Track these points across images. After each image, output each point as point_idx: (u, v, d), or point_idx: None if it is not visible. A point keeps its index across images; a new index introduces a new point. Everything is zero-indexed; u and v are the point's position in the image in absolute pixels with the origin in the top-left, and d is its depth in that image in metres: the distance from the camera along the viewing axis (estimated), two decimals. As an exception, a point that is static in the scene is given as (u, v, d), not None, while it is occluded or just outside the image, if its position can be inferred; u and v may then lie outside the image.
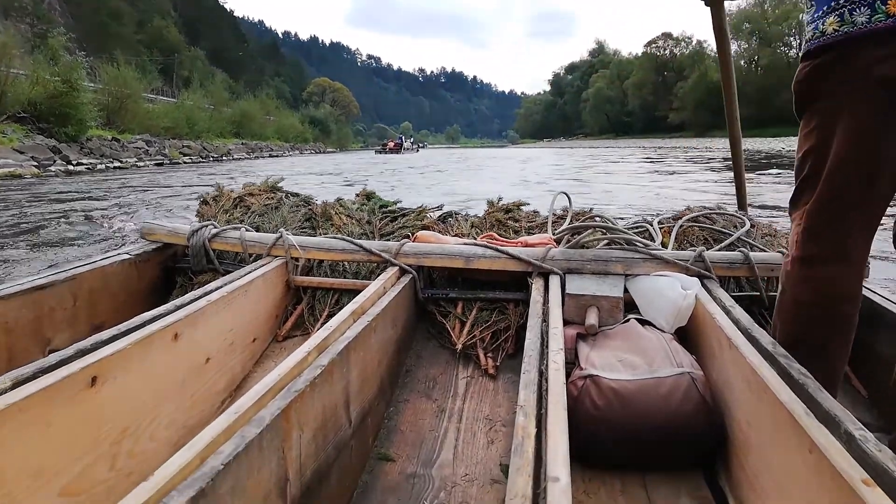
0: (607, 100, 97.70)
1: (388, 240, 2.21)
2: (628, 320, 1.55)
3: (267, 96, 65.95)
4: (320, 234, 2.24)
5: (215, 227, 2.10)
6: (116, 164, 21.18)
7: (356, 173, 19.50)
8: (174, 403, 1.33)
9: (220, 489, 0.75)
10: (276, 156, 43.79)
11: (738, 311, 1.40)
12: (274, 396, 0.98)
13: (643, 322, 1.54)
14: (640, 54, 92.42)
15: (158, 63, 60.50)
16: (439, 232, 2.24)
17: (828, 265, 1.19)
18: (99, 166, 19.72)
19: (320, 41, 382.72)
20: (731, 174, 2.53)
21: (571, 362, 1.38)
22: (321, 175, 18.51)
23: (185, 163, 27.10)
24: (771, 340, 1.21)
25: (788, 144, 35.88)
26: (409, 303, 1.84)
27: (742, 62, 64.52)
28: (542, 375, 1.10)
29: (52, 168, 16.87)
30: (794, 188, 1.26)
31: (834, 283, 1.19)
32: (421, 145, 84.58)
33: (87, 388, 1.08)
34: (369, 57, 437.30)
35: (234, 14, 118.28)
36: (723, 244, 1.97)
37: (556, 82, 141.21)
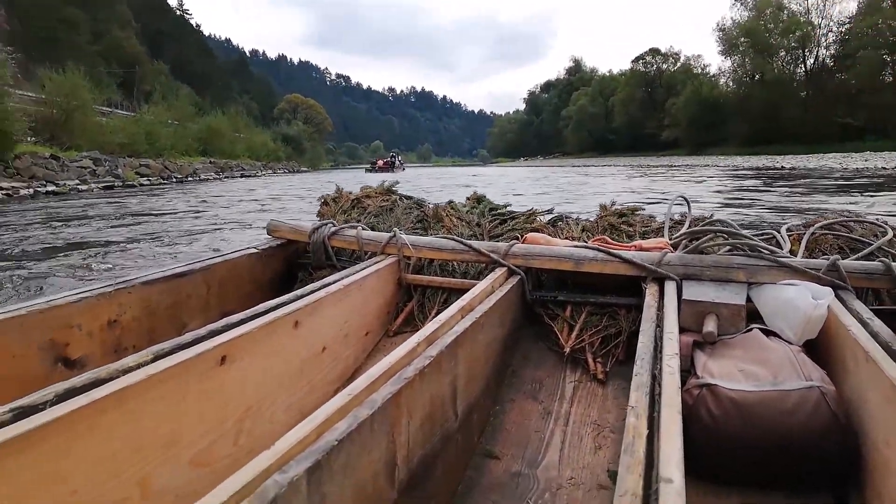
0: (590, 117, 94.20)
1: (497, 241, 2.17)
2: (751, 330, 1.44)
3: (236, 112, 61.62)
4: (431, 235, 2.25)
5: (334, 226, 2.19)
6: (51, 187, 16.74)
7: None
8: (292, 388, 1.41)
9: (333, 464, 0.78)
10: (249, 175, 39.32)
11: (878, 324, 1.28)
12: (385, 382, 1.00)
13: (767, 333, 1.43)
14: (625, 70, 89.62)
15: (118, 76, 56.07)
16: (549, 235, 2.19)
17: None
18: (23, 191, 15.30)
19: (288, 59, 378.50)
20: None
21: (687, 370, 1.30)
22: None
23: (141, 185, 22.65)
24: None
25: (805, 162, 32.76)
26: (516, 304, 1.83)
27: (745, 77, 61.67)
28: (655, 380, 1.06)
29: (-49, 195, 12.39)
30: None
31: None
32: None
33: (217, 367, 1.16)
34: (338, 76, 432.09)
35: (201, 30, 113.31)
36: (861, 253, 1.82)
37: (532, 100, 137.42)
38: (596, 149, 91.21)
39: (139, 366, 1.04)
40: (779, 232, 2.08)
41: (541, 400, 1.57)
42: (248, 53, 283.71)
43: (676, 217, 2.39)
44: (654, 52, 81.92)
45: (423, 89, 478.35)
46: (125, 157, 27.03)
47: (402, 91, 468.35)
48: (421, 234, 2.28)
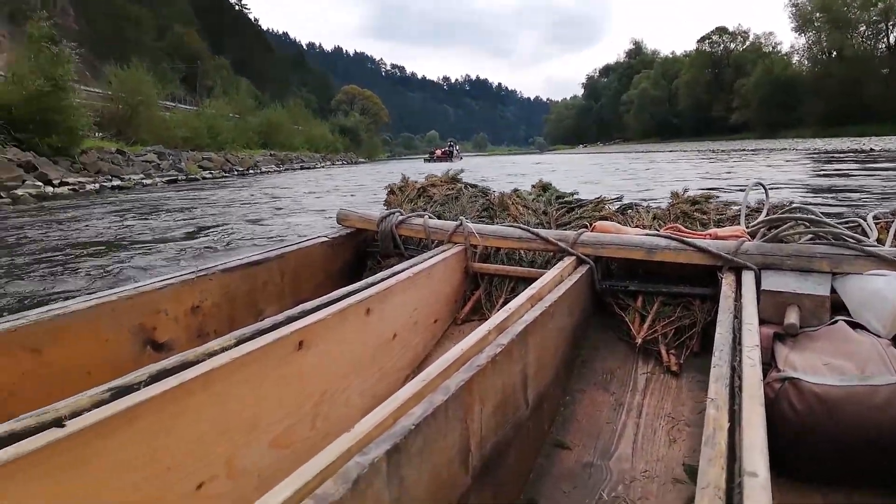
0: (652, 101, 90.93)
1: (565, 230, 2.13)
2: (835, 322, 1.37)
3: (295, 105, 62.14)
4: (497, 223, 2.23)
5: (401, 215, 2.21)
6: (116, 182, 16.74)
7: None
8: (365, 373, 1.45)
9: (410, 448, 0.80)
10: (308, 167, 39.27)
11: None
12: (458, 369, 1.01)
13: (853, 325, 1.36)
14: (689, 52, 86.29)
15: (180, 71, 57.35)
16: (618, 223, 2.13)
17: None
18: (89, 186, 15.26)
19: (344, 52, 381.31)
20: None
21: (766, 363, 1.24)
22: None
23: (203, 178, 22.67)
24: None
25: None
26: (585, 293, 1.81)
27: (821, 55, 58.11)
28: (735, 371, 1.03)
29: (19, 191, 12.29)
30: None
31: None
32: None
33: (294, 351, 1.19)
34: (393, 66, 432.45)
35: (259, 24, 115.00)
36: None
37: (590, 85, 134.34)
38: (659, 134, 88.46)
39: (223, 349, 1.08)
40: (864, 220, 1.97)
41: (612, 391, 1.55)
42: (304, 46, 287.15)
43: (753, 204, 2.30)
44: (722, 31, 78.79)
45: (477, 77, 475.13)
46: (188, 150, 27.22)
47: (456, 80, 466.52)
48: (487, 223, 2.26)
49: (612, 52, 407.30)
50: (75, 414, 0.82)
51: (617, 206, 2.50)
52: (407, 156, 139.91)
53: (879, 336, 1.29)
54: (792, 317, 1.37)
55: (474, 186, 2.85)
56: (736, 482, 0.70)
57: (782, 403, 1.11)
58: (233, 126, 38.41)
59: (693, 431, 1.34)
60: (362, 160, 67.70)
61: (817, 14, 55.90)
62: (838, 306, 1.46)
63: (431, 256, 1.91)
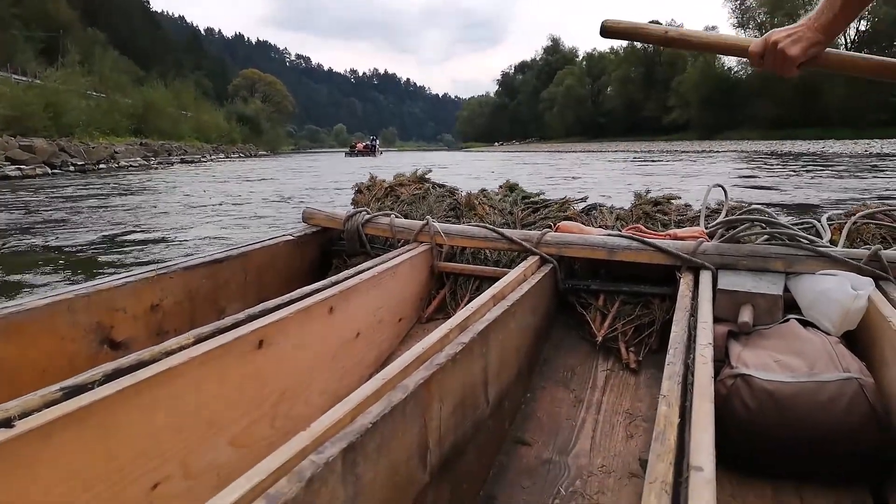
0: (577, 99, 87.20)
1: (530, 230, 2.13)
2: (787, 320, 1.40)
3: (182, 86, 52.65)
4: (464, 223, 2.23)
5: (368, 214, 2.17)
6: None
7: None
8: (327, 372, 1.43)
9: (367, 446, 0.80)
10: (191, 161, 30.89)
11: None
12: (418, 367, 1.01)
13: (805, 323, 1.38)
14: (615, 48, 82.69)
15: (38, 41, 46.47)
16: (582, 223, 2.15)
17: None
18: None
19: (246, 39, 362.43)
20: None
21: (721, 361, 1.27)
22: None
23: (3, 177, 14.22)
24: None
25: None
26: (548, 292, 1.81)
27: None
28: (689, 369, 1.05)
29: None
30: None
31: None
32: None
33: (254, 350, 1.18)
34: (298, 57, 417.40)
35: (149, 2, 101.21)
36: None
37: (506, 83, 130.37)
38: (584, 133, 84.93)
39: (181, 348, 1.06)
40: (819, 221, 2.01)
41: (572, 388, 1.55)
42: (203, 31, 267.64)
43: (713, 206, 2.31)
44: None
45: (385, 71, 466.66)
46: (3, 135, 18.70)
47: (364, 73, 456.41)
48: (454, 223, 2.26)
49: (522, 51, 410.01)
50: (25, 414, 0.80)
51: (581, 207, 2.50)
52: (314, 149, 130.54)
53: (829, 334, 1.32)
54: (745, 315, 1.39)
55: (442, 186, 2.78)
56: (683, 477, 0.71)
57: (734, 399, 1.13)
58: (92, 106, 29.54)
59: (649, 427, 1.33)
60: (263, 153, 58.94)
61: (761, 10, 52.76)
62: (791, 305, 1.47)
63: (397, 255, 1.90)
